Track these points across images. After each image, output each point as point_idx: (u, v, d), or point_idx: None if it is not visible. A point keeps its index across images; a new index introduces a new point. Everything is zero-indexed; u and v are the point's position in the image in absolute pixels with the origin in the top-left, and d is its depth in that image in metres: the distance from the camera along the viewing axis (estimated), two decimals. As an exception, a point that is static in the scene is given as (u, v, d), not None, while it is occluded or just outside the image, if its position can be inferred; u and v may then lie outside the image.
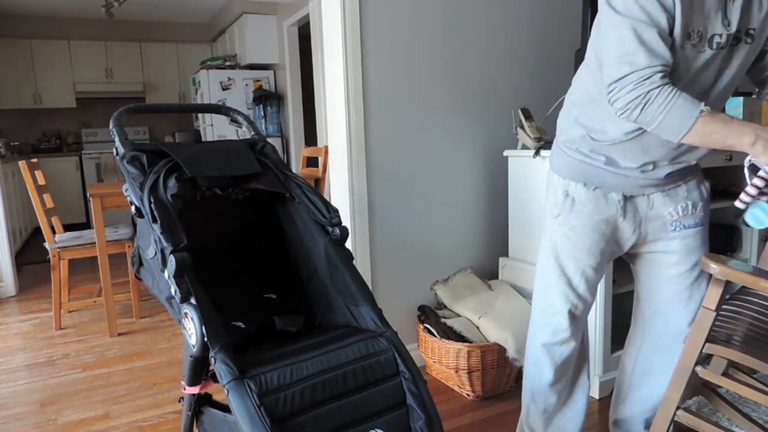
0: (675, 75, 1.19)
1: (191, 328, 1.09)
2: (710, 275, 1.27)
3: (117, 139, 1.31)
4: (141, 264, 1.32)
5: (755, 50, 1.26)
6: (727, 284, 1.24)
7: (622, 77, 1.14)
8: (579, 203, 1.40)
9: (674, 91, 1.12)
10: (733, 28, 1.18)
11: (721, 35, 1.18)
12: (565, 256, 1.44)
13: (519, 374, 2.18)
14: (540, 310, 1.51)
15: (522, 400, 1.62)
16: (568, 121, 1.40)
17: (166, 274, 1.11)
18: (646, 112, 1.13)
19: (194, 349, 1.09)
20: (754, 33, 1.22)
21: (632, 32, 1.12)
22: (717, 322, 1.35)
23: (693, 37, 1.17)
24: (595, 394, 2.08)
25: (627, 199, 1.38)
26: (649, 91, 1.12)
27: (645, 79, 1.12)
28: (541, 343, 1.51)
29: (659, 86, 1.11)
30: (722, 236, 2.45)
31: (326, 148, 3.65)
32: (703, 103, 1.12)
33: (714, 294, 1.26)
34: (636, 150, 1.30)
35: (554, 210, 1.45)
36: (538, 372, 1.53)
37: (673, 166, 1.34)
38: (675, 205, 1.40)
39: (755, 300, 1.49)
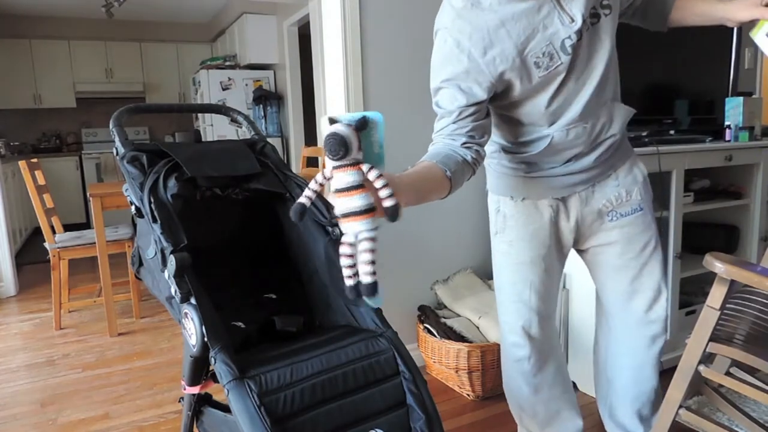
0: (555, 80, 1.19)
1: (191, 328, 1.09)
2: (715, 273, 1.27)
3: (117, 139, 1.31)
4: (141, 264, 1.31)
5: (616, 16, 1.21)
6: (732, 283, 1.23)
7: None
8: (510, 218, 1.41)
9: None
10: (579, 19, 1.13)
11: (569, 36, 1.14)
12: (510, 271, 1.45)
13: (519, 374, 2.18)
14: (501, 329, 1.54)
15: (511, 408, 1.62)
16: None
17: (166, 274, 1.11)
18: None
19: (194, 349, 1.09)
20: (609, 3, 1.16)
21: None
22: (719, 321, 1.34)
23: (541, 62, 1.15)
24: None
25: (558, 201, 1.37)
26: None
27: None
28: (510, 361, 1.52)
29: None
30: (722, 236, 2.45)
31: (326, 147, 3.64)
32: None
33: (718, 293, 1.25)
34: (550, 150, 1.29)
35: (492, 228, 1.47)
36: (516, 386, 1.54)
37: (596, 151, 1.31)
38: (608, 196, 1.36)
39: (757, 299, 1.49)
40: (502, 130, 1.35)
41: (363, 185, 0.83)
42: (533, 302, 1.44)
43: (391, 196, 0.84)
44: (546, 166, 1.33)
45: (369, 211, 0.83)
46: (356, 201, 0.83)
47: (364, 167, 0.84)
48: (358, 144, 0.83)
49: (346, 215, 0.83)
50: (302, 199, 0.86)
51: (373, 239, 0.84)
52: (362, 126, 0.84)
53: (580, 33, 1.14)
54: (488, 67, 1.14)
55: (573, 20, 1.13)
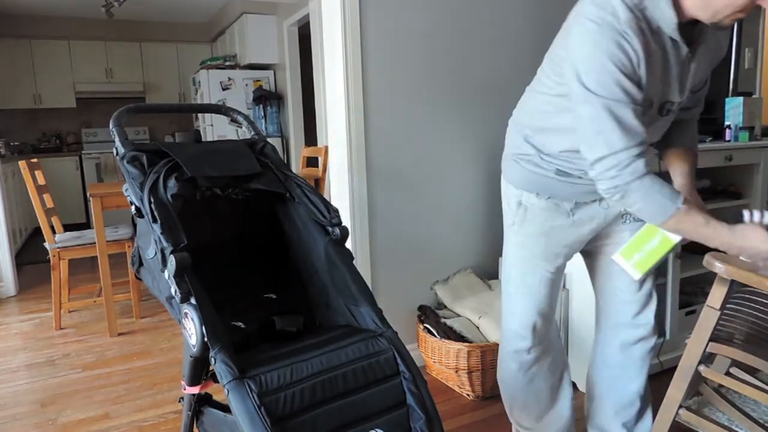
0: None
1: (191, 328, 1.09)
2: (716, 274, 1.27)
3: (117, 139, 1.31)
4: (141, 264, 1.31)
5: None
6: (732, 283, 1.23)
7: (600, 159, 1.13)
8: (531, 212, 1.43)
9: (652, 184, 1.12)
10: (685, 96, 1.24)
11: (673, 103, 1.23)
12: (523, 263, 1.47)
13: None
14: (505, 319, 1.55)
15: (503, 401, 1.65)
16: (519, 138, 1.42)
17: (166, 274, 1.11)
18: (626, 200, 1.15)
19: (194, 349, 1.08)
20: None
21: (607, 112, 1.10)
22: (719, 321, 1.34)
23: (653, 104, 1.22)
24: (596, 393, 2.08)
25: (579, 205, 1.40)
26: (628, 183, 1.12)
27: (624, 168, 1.11)
28: (509, 351, 1.54)
29: (638, 177, 1.12)
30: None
31: (326, 148, 3.65)
32: (680, 200, 1.12)
33: (718, 293, 1.25)
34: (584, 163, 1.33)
35: (509, 219, 1.48)
36: (511, 376, 1.56)
37: None
38: None
39: (757, 299, 1.49)
40: (547, 138, 1.35)
41: None
42: (542, 295, 1.47)
43: None
44: (573, 174, 1.36)
45: None
46: None
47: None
48: None
49: None
50: None
51: None
52: None
53: (678, 105, 1.26)
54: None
55: (683, 92, 1.22)
